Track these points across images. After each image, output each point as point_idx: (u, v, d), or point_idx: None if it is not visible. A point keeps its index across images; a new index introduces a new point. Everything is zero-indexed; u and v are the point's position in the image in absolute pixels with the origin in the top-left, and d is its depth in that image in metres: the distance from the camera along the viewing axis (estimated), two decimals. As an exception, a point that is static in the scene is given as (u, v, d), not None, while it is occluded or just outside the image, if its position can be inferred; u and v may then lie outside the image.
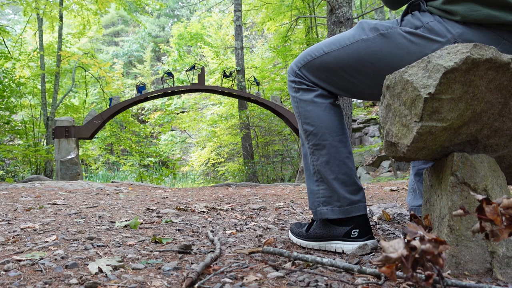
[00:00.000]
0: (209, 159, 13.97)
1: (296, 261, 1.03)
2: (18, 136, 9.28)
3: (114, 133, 11.51)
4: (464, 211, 0.70)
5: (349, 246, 1.20)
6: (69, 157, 5.99)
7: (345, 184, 1.24)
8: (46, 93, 9.80)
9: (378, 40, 1.17)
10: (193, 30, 15.58)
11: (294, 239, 1.35)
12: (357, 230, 1.21)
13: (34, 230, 1.48)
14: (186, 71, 7.41)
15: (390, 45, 1.16)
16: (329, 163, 1.25)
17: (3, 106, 8.38)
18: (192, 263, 1.06)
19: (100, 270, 0.95)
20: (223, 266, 1.03)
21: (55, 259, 1.06)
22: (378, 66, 1.18)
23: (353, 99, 8.50)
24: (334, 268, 0.96)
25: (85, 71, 11.06)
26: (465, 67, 0.90)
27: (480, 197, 0.69)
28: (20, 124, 9.18)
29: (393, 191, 3.32)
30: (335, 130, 1.27)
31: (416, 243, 0.64)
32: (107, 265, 0.98)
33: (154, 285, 0.87)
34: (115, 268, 0.98)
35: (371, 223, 1.68)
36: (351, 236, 1.21)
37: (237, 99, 10.70)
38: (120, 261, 1.02)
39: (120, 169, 14.47)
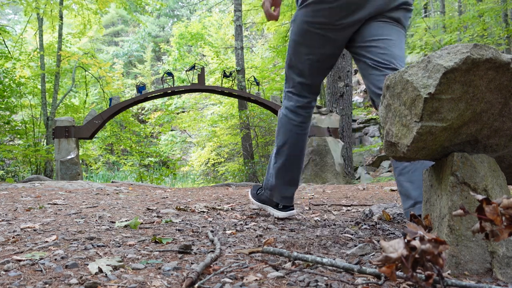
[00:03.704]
0: (209, 159, 13.96)
1: (296, 261, 1.03)
2: (18, 136, 9.26)
3: (114, 133, 11.48)
4: (464, 211, 0.70)
5: (276, 213, 1.86)
6: (69, 157, 5.99)
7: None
8: (46, 93, 9.78)
9: (294, 27, 1.66)
10: (193, 30, 15.58)
11: (250, 197, 2.02)
12: (282, 206, 1.86)
13: (34, 230, 1.48)
14: (186, 71, 7.41)
15: (298, 24, 1.63)
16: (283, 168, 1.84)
17: (3, 106, 8.36)
18: (192, 263, 1.06)
19: (100, 270, 0.95)
20: (223, 266, 1.03)
21: (55, 259, 1.06)
22: (305, 43, 1.64)
23: (353, 100, 8.50)
24: (334, 268, 0.96)
25: (85, 71, 11.05)
26: (465, 67, 0.90)
27: (480, 197, 0.69)
28: (20, 124, 9.16)
29: (393, 191, 3.32)
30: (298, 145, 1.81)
31: (416, 243, 0.64)
32: (107, 265, 0.98)
33: (154, 285, 0.87)
34: (115, 268, 0.98)
35: (371, 223, 1.68)
36: (278, 208, 1.86)
37: (237, 99, 10.70)
38: (120, 261, 1.02)
39: (120, 169, 14.46)
